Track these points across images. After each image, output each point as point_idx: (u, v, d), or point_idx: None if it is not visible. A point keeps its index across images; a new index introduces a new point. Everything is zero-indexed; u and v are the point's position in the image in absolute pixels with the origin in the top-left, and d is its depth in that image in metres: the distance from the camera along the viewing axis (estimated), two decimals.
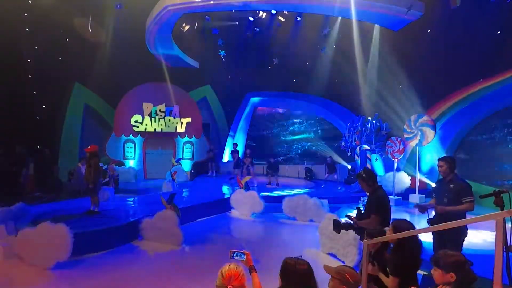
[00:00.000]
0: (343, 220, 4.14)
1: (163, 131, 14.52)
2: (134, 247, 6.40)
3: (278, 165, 13.27)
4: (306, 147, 16.06)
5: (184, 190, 11.25)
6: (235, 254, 2.44)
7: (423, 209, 4.15)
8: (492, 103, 9.79)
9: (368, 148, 10.89)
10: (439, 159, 4.25)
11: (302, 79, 15.06)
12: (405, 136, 10.30)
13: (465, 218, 3.74)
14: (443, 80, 10.66)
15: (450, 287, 2.09)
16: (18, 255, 5.34)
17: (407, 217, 8.12)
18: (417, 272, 2.85)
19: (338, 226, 3.76)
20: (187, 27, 15.23)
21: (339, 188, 12.20)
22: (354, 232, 3.97)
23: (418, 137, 9.97)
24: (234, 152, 13.94)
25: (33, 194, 10.38)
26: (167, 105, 14.62)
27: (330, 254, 5.90)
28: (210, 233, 7.47)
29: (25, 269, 5.13)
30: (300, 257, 2.17)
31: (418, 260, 2.73)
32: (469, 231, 4.00)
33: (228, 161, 16.02)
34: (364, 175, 3.97)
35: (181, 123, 14.73)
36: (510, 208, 1.81)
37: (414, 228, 2.83)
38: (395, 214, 4.91)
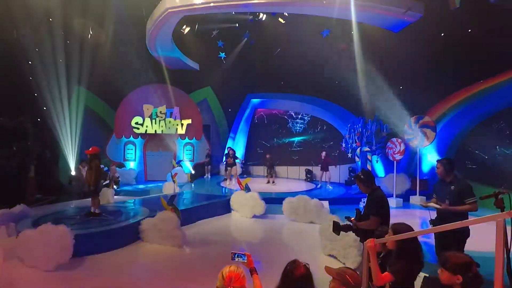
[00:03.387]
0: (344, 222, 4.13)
1: (163, 132, 14.55)
2: (134, 249, 6.39)
3: (273, 162, 13.60)
4: (307, 148, 16.05)
5: (184, 191, 11.27)
6: (236, 256, 2.45)
7: (427, 205, 4.18)
8: (493, 104, 9.78)
9: (369, 149, 10.89)
10: (436, 161, 4.28)
11: (303, 80, 15.07)
12: (406, 137, 10.30)
13: (467, 218, 3.75)
14: (443, 81, 10.66)
15: None
16: (19, 257, 5.34)
17: (407, 217, 8.12)
18: (418, 274, 2.84)
19: (337, 228, 3.76)
20: (187, 29, 15.27)
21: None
22: (354, 234, 3.96)
23: (419, 138, 9.97)
24: (227, 155, 14.06)
25: (34, 196, 10.40)
26: (168, 107, 14.65)
27: (330, 256, 5.89)
28: (210, 234, 7.47)
29: (25, 271, 5.13)
30: (308, 265, 2.18)
31: (421, 263, 2.71)
32: (470, 232, 3.99)
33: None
34: (362, 177, 3.97)
35: (182, 124, 14.76)
36: (510, 210, 1.81)
37: (413, 230, 2.80)
38: (396, 216, 4.90)
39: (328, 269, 2.32)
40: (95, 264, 5.53)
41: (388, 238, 2.78)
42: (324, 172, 12.50)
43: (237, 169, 13.56)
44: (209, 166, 15.03)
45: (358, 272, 2.39)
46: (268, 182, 13.20)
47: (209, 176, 14.87)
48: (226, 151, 14.04)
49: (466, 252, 3.94)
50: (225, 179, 13.47)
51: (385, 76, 11.75)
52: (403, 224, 2.88)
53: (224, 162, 13.74)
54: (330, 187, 12.33)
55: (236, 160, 13.34)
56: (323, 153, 12.60)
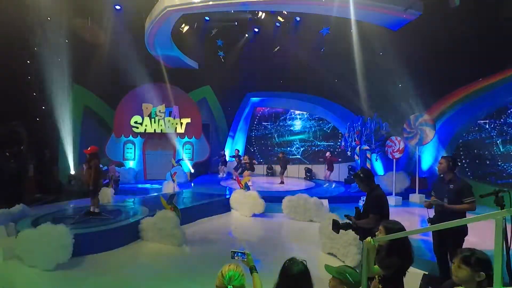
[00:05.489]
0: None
1: (162, 131, 14.54)
2: (134, 248, 6.39)
3: (287, 161, 13.46)
4: (306, 147, 16.07)
5: (184, 190, 11.26)
6: (235, 254, 2.45)
7: (430, 205, 4.15)
8: (492, 102, 9.79)
9: (368, 148, 10.89)
10: (442, 157, 4.29)
11: (302, 79, 15.06)
12: (405, 135, 10.31)
13: (465, 217, 3.74)
14: (442, 79, 10.66)
15: (472, 286, 1.99)
16: (18, 257, 5.34)
17: (407, 216, 8.15)
18: (417, 271, 2.84)
19: (337, 226, 3.76)
20: (186, 28, 15.23)
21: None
22: (354, 232, 3.97)
23: (418, 137, 9.98)
24: (235, 156, 14.18)
25: (33, 196, 10.38)
26: (167, 105, 14.64)
27: (330, 254, 5.90)
28: (210, 233, 7.47)
29: (25, 271, 5.13)
30: (304, 261, 2.17)
31: (411, 259, 2.71)
32: (469, 231, 4.00)
33: (228, 161, 16.11)
34: (361, 175, 3.98)
35: (181, 123, 14.75)
36: (510, 207, 1.81)
37: (404, 228, 2.78)
38: (395, 214, 4.90)
39: (328, 267, 2.32)
40: (95, 264, 5.52)
41: (385, 237, 2.77)
42: (329, 172, 12.50)
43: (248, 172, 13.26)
44: (224, 166, 15.21)
45: (357, 271, 2.39)
46: (282, 182, 12.99)
47: (224, 175, 14.99)
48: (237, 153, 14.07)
49: None
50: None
51: (384, 74, 11.75)
52: (395, 222, 2.86)
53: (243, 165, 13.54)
54: (332, 184, 12.32)
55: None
56: (328, 153, 12.59)
